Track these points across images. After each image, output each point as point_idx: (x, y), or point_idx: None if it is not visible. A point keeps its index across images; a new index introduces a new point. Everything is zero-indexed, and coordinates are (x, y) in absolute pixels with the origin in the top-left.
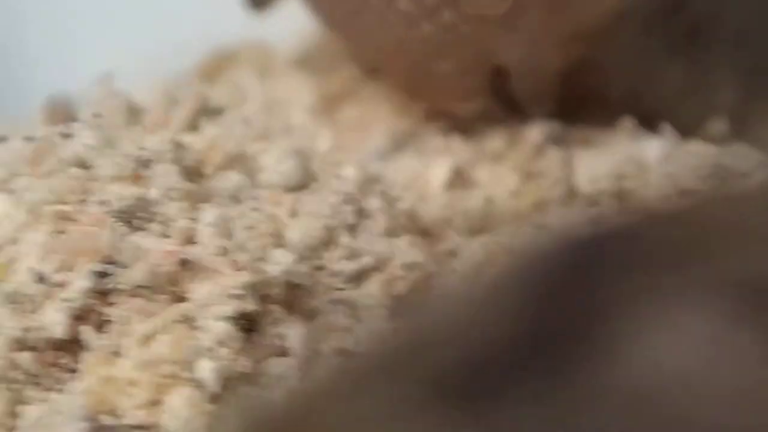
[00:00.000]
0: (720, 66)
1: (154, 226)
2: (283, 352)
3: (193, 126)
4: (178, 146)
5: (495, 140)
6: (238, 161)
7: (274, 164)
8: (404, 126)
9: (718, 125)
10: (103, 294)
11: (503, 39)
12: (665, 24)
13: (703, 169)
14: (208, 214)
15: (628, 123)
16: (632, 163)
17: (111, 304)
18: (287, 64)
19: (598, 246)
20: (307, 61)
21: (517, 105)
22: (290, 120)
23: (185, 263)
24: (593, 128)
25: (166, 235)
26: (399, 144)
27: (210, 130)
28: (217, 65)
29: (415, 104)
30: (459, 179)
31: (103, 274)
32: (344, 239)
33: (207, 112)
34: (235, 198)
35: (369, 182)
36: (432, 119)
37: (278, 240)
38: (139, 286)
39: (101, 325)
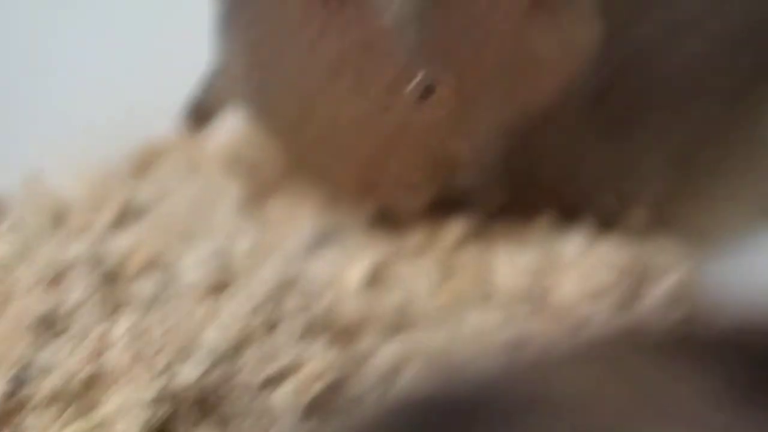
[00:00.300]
0: (645, 155)
1: (72, 333)
2: None
3: (117, 225)
4: (98, 252)
5: (414, 236)
6: (159, 264)
7: (194, 266)
8: (327, 222)
9: (639, 216)
10: (18, 403)
11: (453, 131)
12: (591, 112)
13: (621, 266)
14: (124, 320)
15: (547, 217)
16: (549, 259)
17: (27, 412)
18: (216, 159)
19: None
20: (237, 157)
21: (466, 196)
22: (214, 219)
23: (100, 371)
24: (514, 222)
25: (82, 342)
26: (321, 241)
27: (133, 232)
28: (147, 160)
29: (345, 201)
30: (377, 278)
31: (19, 382)
32: (260, 342)
33: (132, 211)
34: (154, 301)
35: (287, 283)
36: (355, 215)
37: (195, 344)
38: (55, 395)
39: None
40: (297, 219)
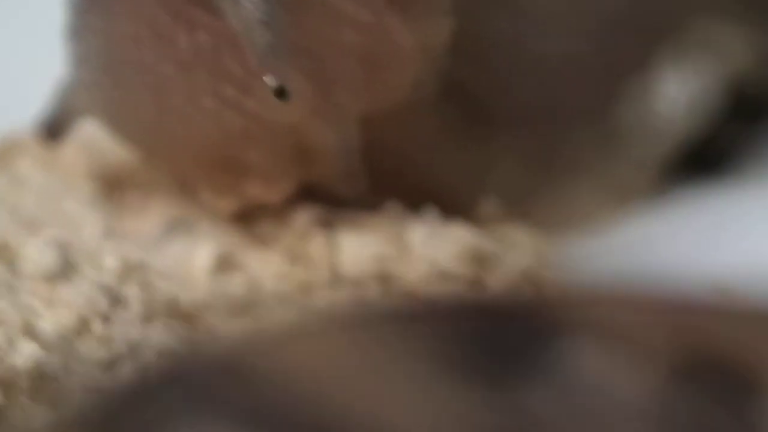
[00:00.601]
0: (498, 148)
1: None
2: None
3: None
4: None
5: (263, 225)
6: (1, 252)
7: (35, 254)
8: (177, 213)
9: (490, 206)
10: None
11: (311, 122)
12: (445, 106)
13: (462, 253)
14: None
15: (394, 204)
16: (395, 245)
17: None
18: (71, 156)
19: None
20: (92, 148)
21: (328, 186)
22: (63, 209)
23: None
24: (362, 211)
25: None
26: (169, 230)
27: None
28: (2, 154)
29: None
30: (224, 264)
31: None
32: (97, 328)
33: None
34: None
35: (128, 271)
36: (205, 205)
37: (30, 331)
38: None
39: None
40: (148, 210)
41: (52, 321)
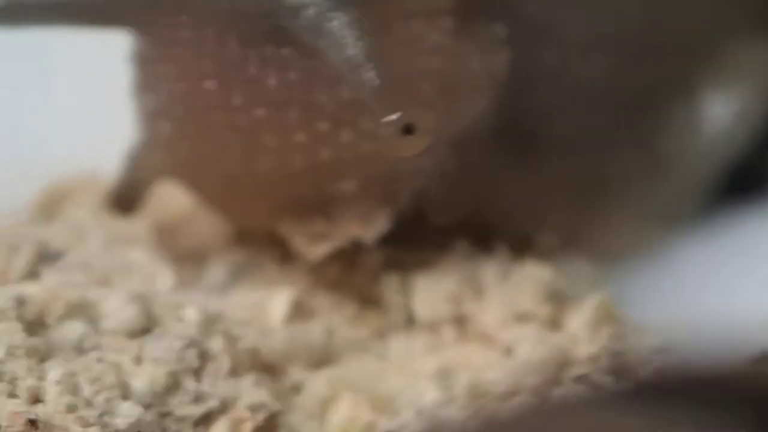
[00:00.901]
0: (550, 178)
1: (1, 387)
2: None
3: (32, 274)
4: (20, 301)
5: (332, 267)
6: (81, 309)
7: (116, 310)
8: (240, 256)
9: (549, 240)
10: None
11: (403, 149)
12: (498, 139)
13: (540, 290)
14: (53, 370)
15: (463, 243)
16: (469, 286)
17: None
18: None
19: None
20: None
21: (426, 219)
22: (129, 258)
23: (33, 423)
24: (430, 250)
25: (13, 395)
26: (236, 275)
27: (50, 278)
28: (52, 200)
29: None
30: (298, 310)
31: None
32: (189, 383)
33: (46, 257)
34: (80, 349)
35: (210, 322)
36: (268, 248)
37: (124, 390)
38: None
39: None
40: (209, 254)
41: (143, 379)
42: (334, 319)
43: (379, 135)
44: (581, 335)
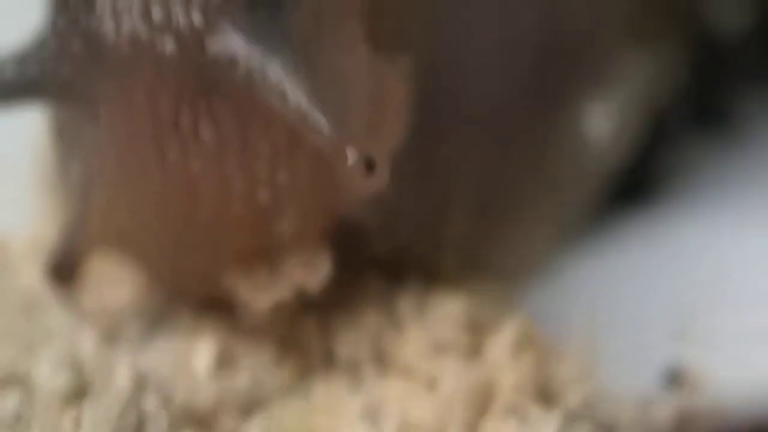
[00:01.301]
0: (448, 197)
1: None
2: None
3: None
4: None
5: (243, 313)
6: (14, 380)
7: (50, 377)
8: (151, 307)
9: (452, 261)
10: None
11: (370, 186)
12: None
13: (456, 321)
14: None
15: (377, 279)
16: (386, 321)
17: None
18: (25, 257)
19: None
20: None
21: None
22: (47, 321)
23: None
24: (344, 289)
25: None
26: (151, 327)
27: None
28: None
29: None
30: (221, 360)
31: None
32: None
33: None
34: (18, 419)
35: (142, 381)
36: (177, 298)
37: None
38: None
39: None
40: (118, 306)
41: None
42: (256, 364)
43: (346, 178)
44: (504, 363)
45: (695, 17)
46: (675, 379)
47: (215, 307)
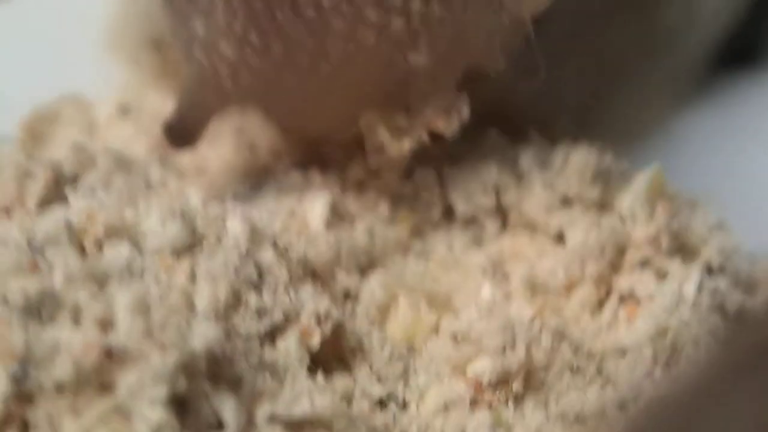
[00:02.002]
0: (562, 63)
1: (65, 316)
2: (219, 426)
3: (50, 199)
4: (70, 226)
5: (355, 168)
6: (121, 231)
7: (159, 228)
8: (254, 164)
9: (566, 125)
10: (24, 397)
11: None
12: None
13: (586, 173)
14: (121, 295)
15: (493, 133)
16: (507, 174)
17: (37, 405)
18: (109, 118)
19: None
20: (130, 113)
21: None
22: (148, 177)
23: (109, 352)
24: (459, 142)
25: (79, 324)
26: (258, 184)
27: (79, 202)
28: (39, 126)
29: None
30: (335, 215)
31: (20, 376)
32: (250, 298)
33: (63, 180)
34: (130, 271)
35: (256, 233)
36: (278, 155)
37: (189, 309)
38: (64, 382)
39: (26, 430)
40: (214, 165)
41: (206, 297)
42: (371, 220)
43: None
44: (636, 215)
45: None
46: None
47: (326, 164)
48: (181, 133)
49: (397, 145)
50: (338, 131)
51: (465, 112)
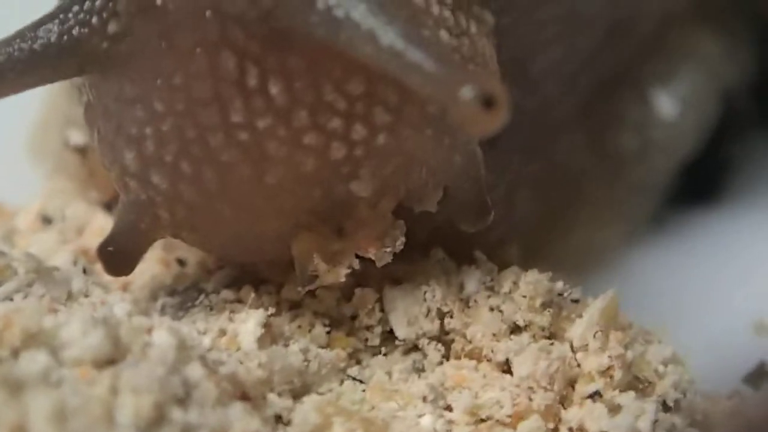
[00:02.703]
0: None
1: None
2: None
3: None
4: None
5: (289, 288)
6: (39, 338)
7: (80, 337)
8: (182, 279)
9: (512, 251)
10: None
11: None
12: None
13: (535, 300)
14: (37, 403)
15: (438, 254)
16: (452, 298)
17: None
18: (30, 226)
19: None
20: (52, 222)
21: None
22: (69, 286)
23: None
24: (402, 264)
25: None
26: (186, 300)
27: None
28: None
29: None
30: (268, 334)
31: None
32: (176, 414)
33: None
34: (46, 380)
35: (184, 347)
36: (209, 271)
37: (109, 423)
38: None
39: None
40: (139, 276)
41: (128, 411)
42: (305, 341)
43: (460, 119)
44: (588, 344)
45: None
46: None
47: (259, 281)
48: (117, 259)
49: (333, 273)
50: (272, 256)
51: (400, 241)
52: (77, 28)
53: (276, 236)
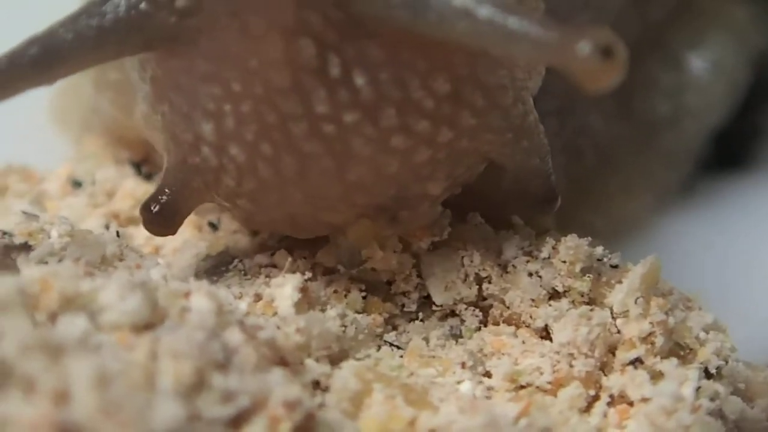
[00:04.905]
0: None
1: (16, 387)
2: None
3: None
4: (23, 293)
5: (326, 253)
6: (77, 302)
7: (118, 302)
8: (215, 244)
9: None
10: None
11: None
12: None
13: (575, 265)
14: (79, 367)
15: (476, 219)
16: (490, 264)
17: None
18: (60, 190)
19: None
20: (81, 186)
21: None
22: (103, 250)
23: (63, 428)
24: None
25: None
26: (220, 264)
27: (32, 270)
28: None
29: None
30: (305, 299)
31: None
32: (216, 380)
33: (12, 249)
34: (85, 345)
35: (223, 312)
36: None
37: (150, 388)
38: None
39: None
40: (177, 246)
41: (169, 376)
42: (342, 307)
43: (581, 75)
44: (629, 310)
45: None
46: None
47: (293, 247)
48: (161, 219)
49: (386, 259)
50: (316, 234)
51: (446, 231)
52: (144, 2)
53: (334, 223)
